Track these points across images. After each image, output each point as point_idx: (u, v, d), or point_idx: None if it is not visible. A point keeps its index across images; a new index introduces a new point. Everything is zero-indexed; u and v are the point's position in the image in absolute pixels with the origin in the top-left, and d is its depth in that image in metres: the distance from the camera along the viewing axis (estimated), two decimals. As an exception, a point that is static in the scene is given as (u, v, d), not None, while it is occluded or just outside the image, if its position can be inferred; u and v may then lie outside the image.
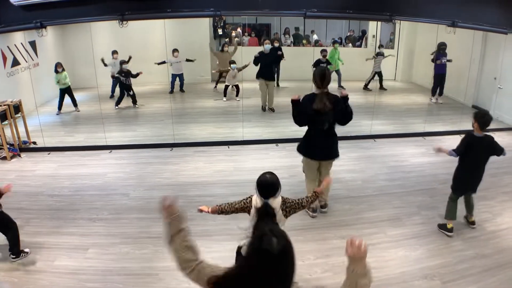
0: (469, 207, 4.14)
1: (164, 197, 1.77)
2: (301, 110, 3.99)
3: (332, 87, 4.28)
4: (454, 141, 4.13)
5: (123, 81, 8.55)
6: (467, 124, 4.26)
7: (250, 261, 1.43)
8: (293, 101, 4.03)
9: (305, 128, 4.17)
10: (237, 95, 9.41)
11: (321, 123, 3.96)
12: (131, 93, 8.79)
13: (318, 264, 3.56)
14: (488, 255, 3.67)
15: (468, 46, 8.24)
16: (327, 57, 9.58)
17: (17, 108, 6.42)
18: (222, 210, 2.75)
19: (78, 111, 8.52)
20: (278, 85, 10.44)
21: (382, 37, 12.12)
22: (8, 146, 6.04)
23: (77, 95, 8.60)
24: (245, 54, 8.87)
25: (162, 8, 5.58)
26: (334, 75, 9.86)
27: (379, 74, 10.36)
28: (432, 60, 8.83)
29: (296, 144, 4.34)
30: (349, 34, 13.09)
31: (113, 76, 8.73)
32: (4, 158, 6.00)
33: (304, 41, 12.43)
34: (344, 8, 5.88)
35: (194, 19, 9.18)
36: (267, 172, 2.62)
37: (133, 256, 3.71)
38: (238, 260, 2.82)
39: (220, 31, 11.56)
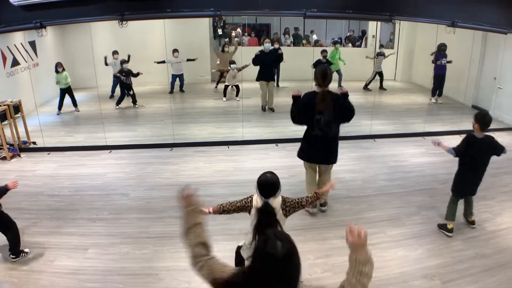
0: (469, 207, 4.15)
1: (183, 187, 1.77)
2: (300, 108, 3.98)
3: (333, 87, 4.27)
4: (454, 141, 4.12)
5: (123, 81, 8.56)
6: (467, 124, 4.27)
7: (255, 265, 1.44)
8: (293, 97, 4.03)
9: (305, 128, 4.15)
10: (237, 95, 9.41)
11: (319, 122, 3.96)
12: (131, 92, 8.80)
13: (318, 264, 3.56)
14: (488, 255, 3.68)
15: (468, 46, 8.24)
16: (328, 58, 9.59)
17: (17, 108, 6.42)
18: (224, 209, 2.75)
19: (78, 111, 8.52)
20: (278, 85, 10.44)
21: (382, 37, 12.12)
22: (8, 146, 6.04)
23: (77, 95, 8.61)
24: (245, 54, 8.87)
25: (162, 8, 5.57)
26: (335, 75, 9.86)
27: (380, 74, 10.37)
28: (432, 61, 8.85)
29: (295, 144, 4.34)
30: (349, 34, 13.09)
31: (115, 75, 8.75)
32: (4, 158, 6.00)
33: (304, 41, 12.43)
34: (344, 8, 5.88)
35: (194, 19, 9.19)
36: (267, 171, 2.62)
37: (133, 256, 3.71)
38: (237, 260, 2.82)
39: (220, 31, 11.55)
